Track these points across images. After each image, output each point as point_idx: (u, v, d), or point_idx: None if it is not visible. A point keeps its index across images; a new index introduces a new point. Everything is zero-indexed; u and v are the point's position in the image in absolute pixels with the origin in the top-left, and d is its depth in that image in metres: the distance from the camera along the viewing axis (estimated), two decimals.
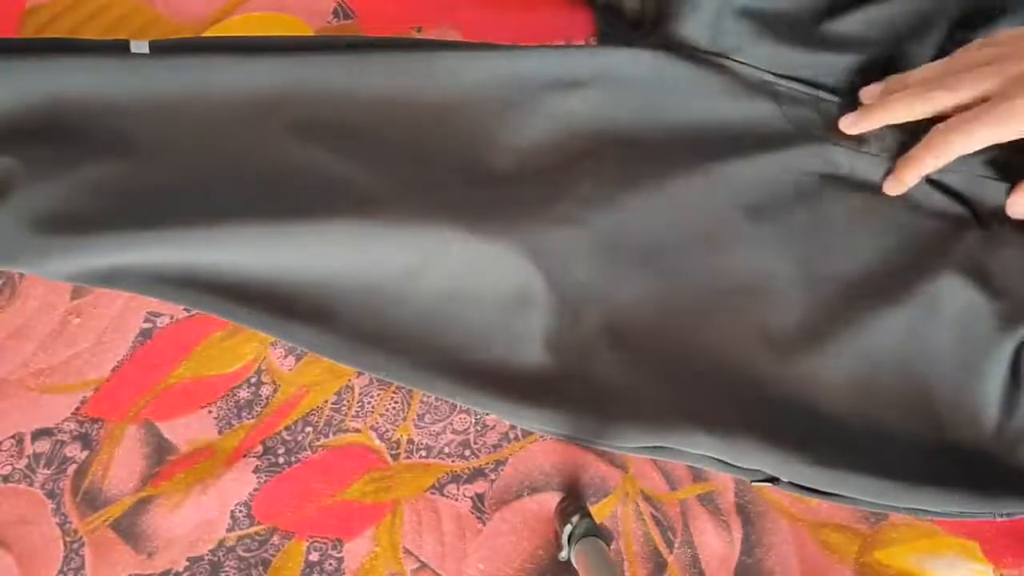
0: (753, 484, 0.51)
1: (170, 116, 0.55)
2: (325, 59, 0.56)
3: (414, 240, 0.51)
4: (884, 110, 0.53)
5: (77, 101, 0.54)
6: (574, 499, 0.52)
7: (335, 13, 0.62)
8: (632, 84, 0.57)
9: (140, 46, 0.55)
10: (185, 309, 0.55)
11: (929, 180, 0.55)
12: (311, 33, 0.61)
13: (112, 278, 0.51)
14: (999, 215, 0.54)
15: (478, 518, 0.52)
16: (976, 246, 0.55)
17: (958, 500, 0.48)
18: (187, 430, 0.53)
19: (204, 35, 0.60)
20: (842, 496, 0.49)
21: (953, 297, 0.53)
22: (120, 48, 0.55)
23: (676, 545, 0.52)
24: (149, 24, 0.59)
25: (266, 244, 0.51)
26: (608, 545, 0.47)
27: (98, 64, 0.55)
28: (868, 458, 0.49)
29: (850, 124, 0.54)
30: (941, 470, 0.49)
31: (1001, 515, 0.48)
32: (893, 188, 0.54)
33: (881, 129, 0.55)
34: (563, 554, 0.48)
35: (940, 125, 0.51)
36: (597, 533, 0.48)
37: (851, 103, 0.57)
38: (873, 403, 0.51)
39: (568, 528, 0.48)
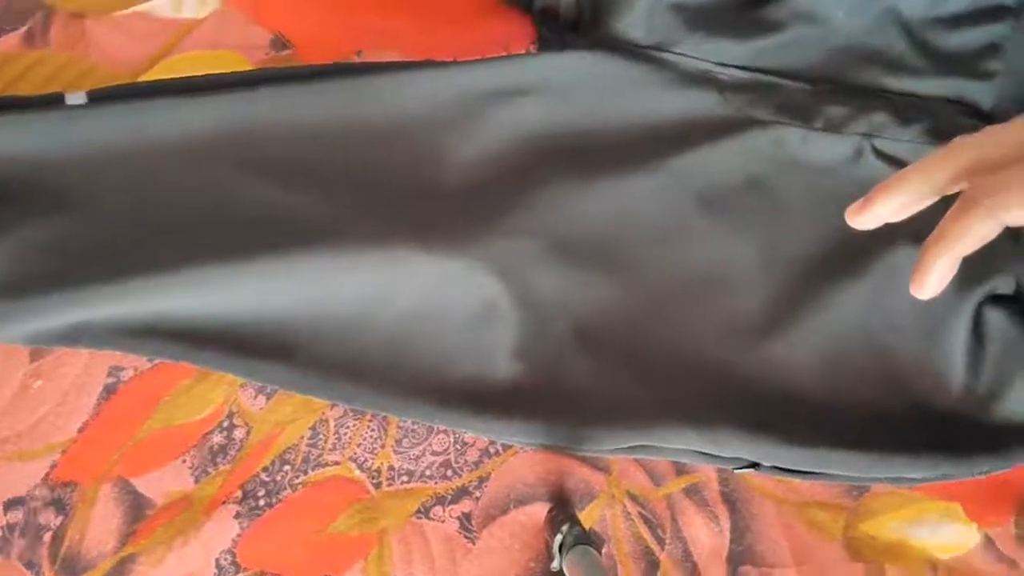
0: (736, 472, 0.52)
1: (114, 166, 0.55)
2: (267, 93, 0.56)
3: (373, 267, 0.52)
4: None
5: (15, 160, 0.54)
6: (563, 508, 0.53)
7: (273, 45, 0.62)
8: (575, 87, 0.58)
9: (76, 97, 0.55)
10: (149, 359, 0.55)
11: (875, 151, 0.56)
12: (250, 67, 0.60)
13: (71, 337, 0.50)
14: None
15: (467, 538, 0.52)
16: (928, 212, 0.56)
17: (935, 465, 0.49)
18: (162, 483, 0.53)
19: (140, 80, 0.59)
20: (824, 474, 0.50)
21: (911, 265, 0.54)
22: (54, 101, 0.55)
23: (667, 541, 0.53)
24: (84, 75, 0.59)
25: (224, 285, 0.51)
26: (599, 551, 0.48)
27: (33, 120, 0.54)
28: (844, 433, 0.50)
29: None
30: (915, 437, 0.50)
31: (979, 473, 0.49)
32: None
33: (828, 103, 0.56)
34: (555, 564, 0.49)
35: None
36: (588, 541, 0.48)
37: (794, 83, 0.57)
38: (843, 378, 0.52)
39: (559, 538, 0.49)
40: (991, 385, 0.51)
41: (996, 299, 0.53)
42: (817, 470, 0.49)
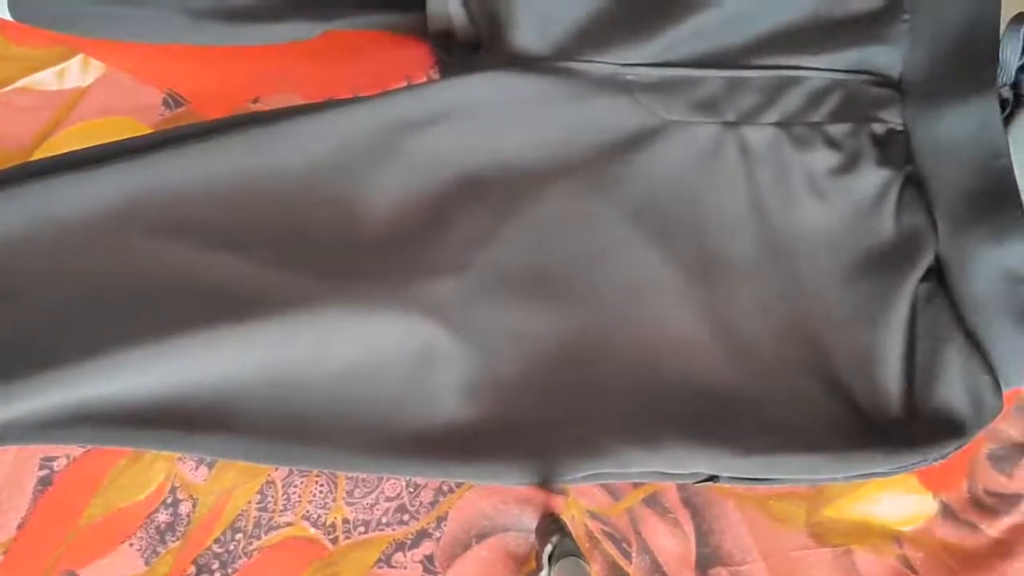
0: (696, 484, 0.53)
1: (18, 252, 0.54)
2: (168, 155, 0.55)
3: (301, 327, 0.51)
4: None
5: None
6: (553, 519, 0.54)
7: (166, 104, 0.61)
8: (484, 109, 0.58)
9: None
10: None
11: (790, 139, 0.57)
12: (147, 130, 0.60)
13: None
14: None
15: None
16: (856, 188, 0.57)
17: (889, 459, 0.50)
18: (112, 570, 0.53)
19: (33, 159, 0.58)
20: (784, 478, 0.51)
21: (842, 258, 0.56)
22: None
23: (633, 555, 0.54)
24: None
25: (150, 363, 0.50)
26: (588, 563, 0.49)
27: None
28: (792, 437, 0.51)
29: None
30: (864, 433, 0.52)
31: (935, 459, 0.51)
32: None
33: (738, 93, 0.58)
34: (543, 574, 0.49)
35: None
36: (577, 552, 0.49)
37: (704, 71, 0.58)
38: (786, 381, 0.54)
39: (548, 548, 0.50)
40: (923, 373, 0.52)
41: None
42: (772, 476, 0.51)
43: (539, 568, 0.50)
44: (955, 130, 0.55)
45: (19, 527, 0.53)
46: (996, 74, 0.54)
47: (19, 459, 0.54)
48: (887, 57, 0.59)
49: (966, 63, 0.56)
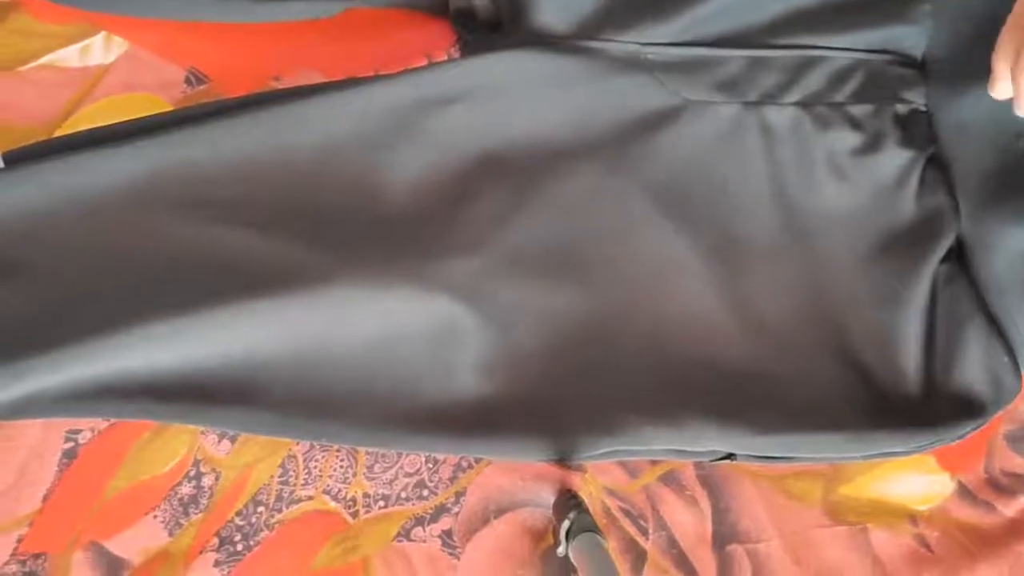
0: (712, 463, 0.54)
1: (41, 227, 0.54)
2: (192, 133, 0.56)
3: (324, 302, 0.52)
4: None
5: None
6: (571, 495, 0.54)
7: (188, 81, 0.62)
8: (505, 88, 0.58)
9: None
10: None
11: (812, 119, 0.58)
12: (168, 107, 0.61)
13: (23, 409, 0.50)
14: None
15: (450, 554, 0.54)
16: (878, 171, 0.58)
17: (906, 438, 0.51)
18: (136, 541, 0.54)
19: (56, 135, 0.59)
20: (800, 457, 0.52)
21: (859, 240, 0.56)
22: None
23: (650, 531, 0.55)
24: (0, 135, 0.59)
25: (175, 337, 0.51)
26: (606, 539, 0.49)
27: None
28: (810, 416, 0.52)
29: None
30: (882, 412, 0.52)
31: (952, 440, 0.51)
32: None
33: (761, 72, 0.58)
34: (560, 549, 0.50)
35: None
36: (595, 528, 0.50)
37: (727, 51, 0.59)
38: (804, 360, 0.54)
39: (565, 524, 0.51)
40: (943, 354, 0.53)
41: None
42: (789, 455, 0.51)
43: (556, 543, 0.51)
44: (976, 111, 0.55)
45: (44, 499, 0.54)
46: None
47: (46, 431, 0.55)
48: (911, 38, 0.60)
49: (988, 44, 0.56)
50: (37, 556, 0.53)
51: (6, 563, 0.53)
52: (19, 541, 0.53)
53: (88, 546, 0.53)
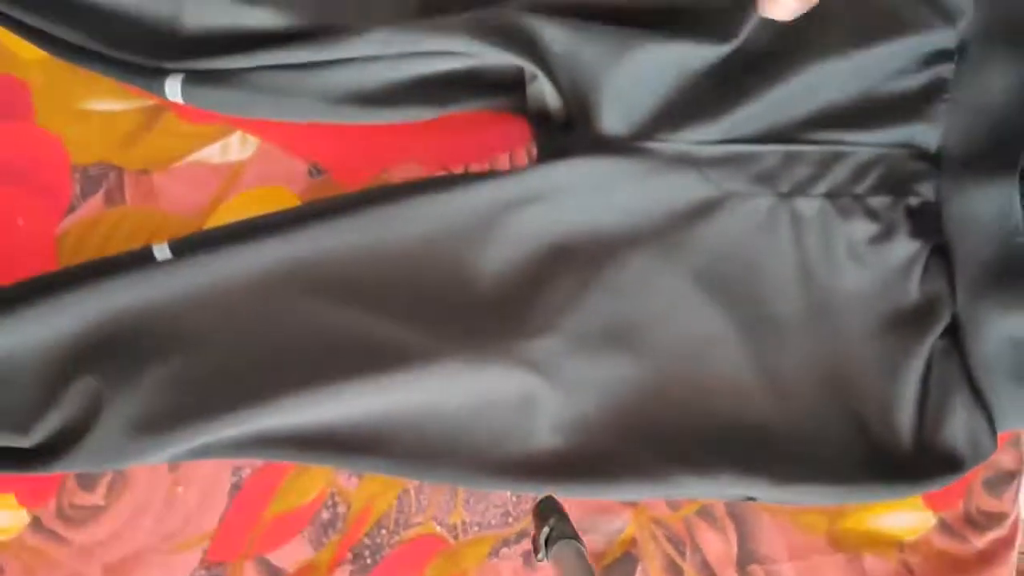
0: (737, 501, 0.68)
1: (204, 308, 0.68)
2: (314, 228, 0.68)
3: (432, 373, 0.65)
4: None
5: (125, 313, 0.68)
6: (551, 501, 0.64)
7: (310, 172, 0.74)
8: (572, 189, 0.69)
9: (162, 251, 0.68)
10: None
11: (836, 211, 0.68)
12: (294, 196, 0.73)
13: (202, 453, 0.66)
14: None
15: (529, 567, 0.70)
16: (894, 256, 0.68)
17: (896, 490, 0.64)
18: (290, 555, 0.71)
19: (208, 225, 0.72)
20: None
21: (870, 317, 0.67)
22: (145, 257, 0.68)
23: (687, 554, 0.70)
24: (160, 225, 0.72)
25: (313, 404, 0.65)
26: (583, 545, 0.55)
27: (131, 278, 0.68)
28: (820, 470, 0.64)
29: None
30: (879, 467, 0.65)
31: (938, 487, 0.64)
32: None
33: (794, 166, 0.67)
34: (540, 556, 0.56)
35: None
36: (574, 535, 0.55)
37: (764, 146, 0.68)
38: (819, 421, 0.66)
39: (545, 531, 0.57)
40: (932, 419, 0.65)
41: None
42: (801, 502, 0.65)
43: (535, 550, 0.56)
44: (981, 206, 0.64)
45: (220, 520, 0.71)
46: (1021, 155, 0.62)
47: (217, 468, 0.72)
48: (927, 133, 0.67)
49: (998, 143, 0.64)
50: (219, 564, 0.71)
51: (196, 569, 0.70)
52: (204, 552, 0.71)
53: (255, 559, 0.70)
